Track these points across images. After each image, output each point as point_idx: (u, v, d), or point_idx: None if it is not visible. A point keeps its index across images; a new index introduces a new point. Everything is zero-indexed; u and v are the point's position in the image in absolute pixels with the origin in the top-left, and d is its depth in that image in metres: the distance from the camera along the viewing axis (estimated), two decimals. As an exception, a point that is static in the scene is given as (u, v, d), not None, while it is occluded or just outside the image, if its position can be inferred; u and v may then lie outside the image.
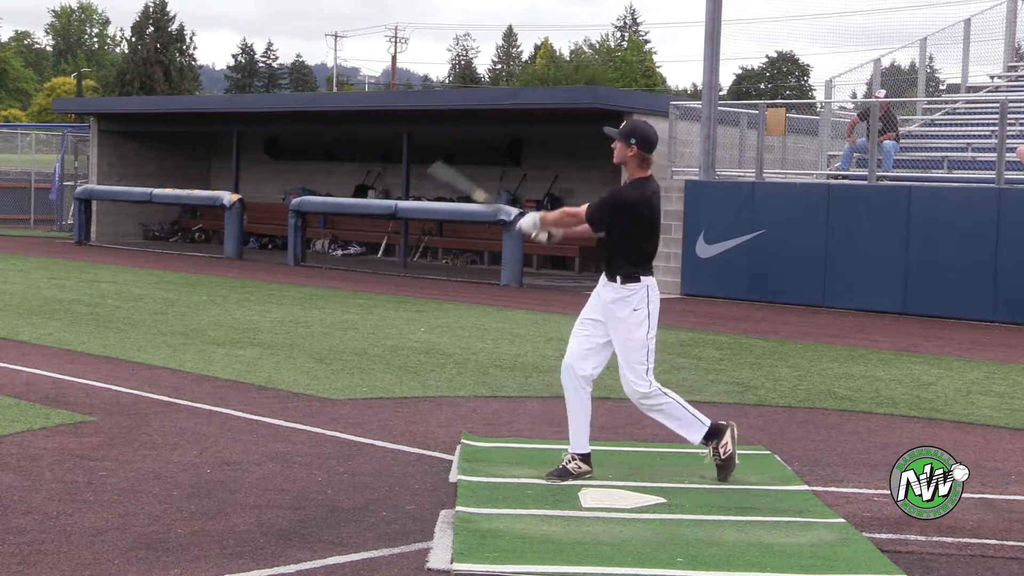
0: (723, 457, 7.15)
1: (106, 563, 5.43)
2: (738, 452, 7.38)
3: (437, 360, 11.86)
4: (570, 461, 7.14)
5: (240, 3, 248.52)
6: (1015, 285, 16.91)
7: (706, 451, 7.21)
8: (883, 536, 6.19)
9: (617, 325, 7.10)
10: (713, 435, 7.18)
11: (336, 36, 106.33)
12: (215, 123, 30.22)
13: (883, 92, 20.28)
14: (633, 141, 7.14)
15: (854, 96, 25.86)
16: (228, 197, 26.34)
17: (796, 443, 8.52)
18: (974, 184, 18.12)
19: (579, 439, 7.14)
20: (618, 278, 7.10)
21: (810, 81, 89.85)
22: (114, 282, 19.17)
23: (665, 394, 7.16)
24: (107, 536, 5.82)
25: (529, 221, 7.41)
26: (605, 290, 7.17)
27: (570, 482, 7.01)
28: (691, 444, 7.32)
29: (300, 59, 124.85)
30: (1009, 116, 18.17)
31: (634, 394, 7.15)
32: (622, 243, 7.11)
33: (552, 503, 6.57)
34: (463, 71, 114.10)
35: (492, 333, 14.20)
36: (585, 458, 7.13)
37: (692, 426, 7.19)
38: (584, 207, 7.25)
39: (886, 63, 23.27)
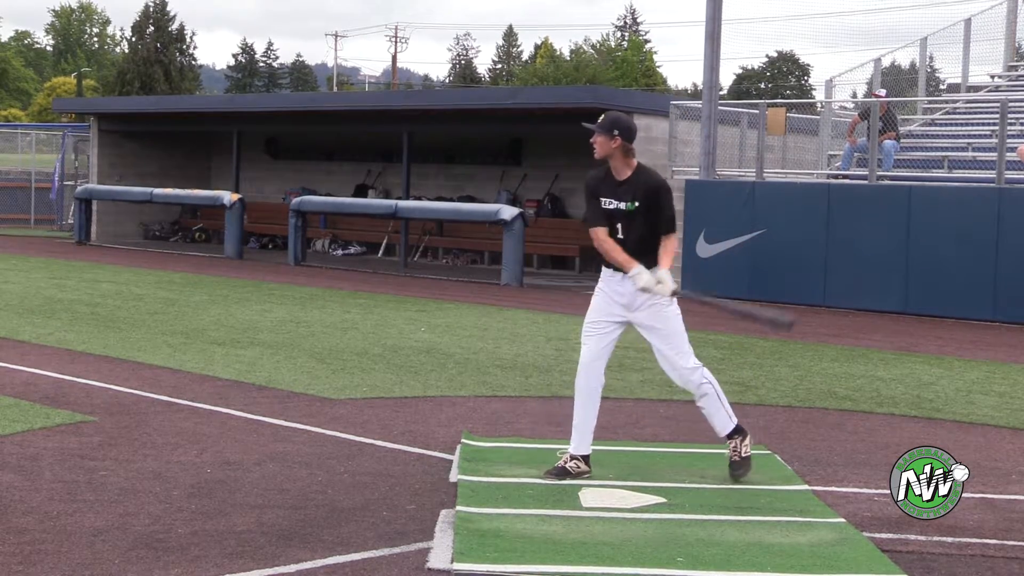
0: (742, 458, 7.19)
1: (106, 563, 5.43)
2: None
3: (437, 360, 11.86)
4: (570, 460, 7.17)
5: (240, 3, 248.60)
6: (1015, 285, 16.90)
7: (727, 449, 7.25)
8: (883, 536, 6.19)
9: (666, 313, 7.19)
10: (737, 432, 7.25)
11: (336, 36, 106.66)
12: (215, 123, 30.22)
13: (883, 92, 20.29)
14: (616, 133, 7.15)
15: (854, 96, 25.85)
16: (228, 197, 26.34)
17: (796, 443, 8.52)
18: (974, 184, 18.12)
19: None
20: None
21: (810, 81, 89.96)
22: (114, 282, 19.18)
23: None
24: (107, 536, 5.82)
25: (650, 279, 7.04)
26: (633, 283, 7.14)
27: (568, 481, 7.03)
28: (693, 444, 7.34)
29: (300, 59, 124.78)
30: (1009, 116, 18.16)
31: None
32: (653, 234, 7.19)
33: (552, 503, 6.57)
34: (463, 71, 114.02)
35: (492, 333, 14.20)
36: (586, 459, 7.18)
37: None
38: (672, 236, 7.16)
39: (886, 63, 23.26)
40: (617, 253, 7.09)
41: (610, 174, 7.27)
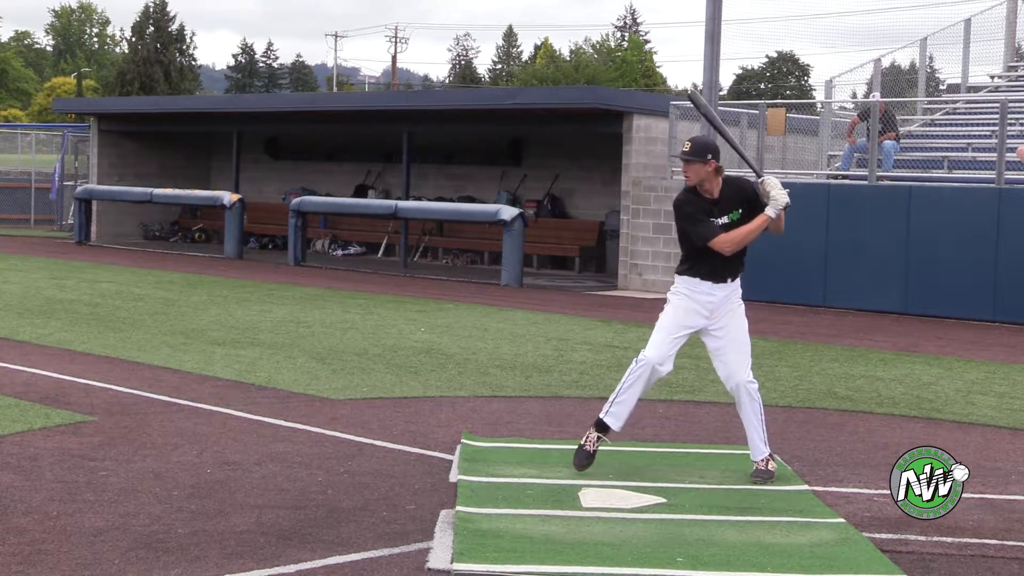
0: (768, 469, 7.28)
1: (106, 563, 5.43)
2: (737, 453, 7.46)
3: (437, 360, 11.86)
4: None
5: (240, 3, 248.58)
6: (1015, 285, 16.91)
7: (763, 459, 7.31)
8: (883, 536, 6.19)
9: (740, 321, 7.36)
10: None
11: (336, 36, 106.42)
12: (215, 123, 30.22)
13: (876, 95, 20.31)
14: (710, 157, 7.18)
15: (854, 96, 25.86)
16: (228, 197, 26.34)
17: (796, 443, 8.52)
18: (974, 184, 18.12)
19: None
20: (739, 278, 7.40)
21: (810, 81, 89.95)
22: (114, 282, 19.17)
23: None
24: (107, 536, 5.82)
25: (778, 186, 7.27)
26: (722, 290, 7.31)
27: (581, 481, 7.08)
28: (693, 444, 7.35)
29: (300, 59, 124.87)
30: (1009, 116, 18.15)
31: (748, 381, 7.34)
32: None
33: (552, 503, 6.57)
34: (463, 71, 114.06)
35: (492, 333, 14.20)
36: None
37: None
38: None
39: (886, 63, 23.28)
40: (746, 227, 7.20)
41: (699, 195, 7.28)
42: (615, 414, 7.29)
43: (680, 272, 7.40)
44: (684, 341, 7.40)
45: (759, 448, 7.28)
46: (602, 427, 7.29)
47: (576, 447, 7.34)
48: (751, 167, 7.54)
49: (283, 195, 29.63)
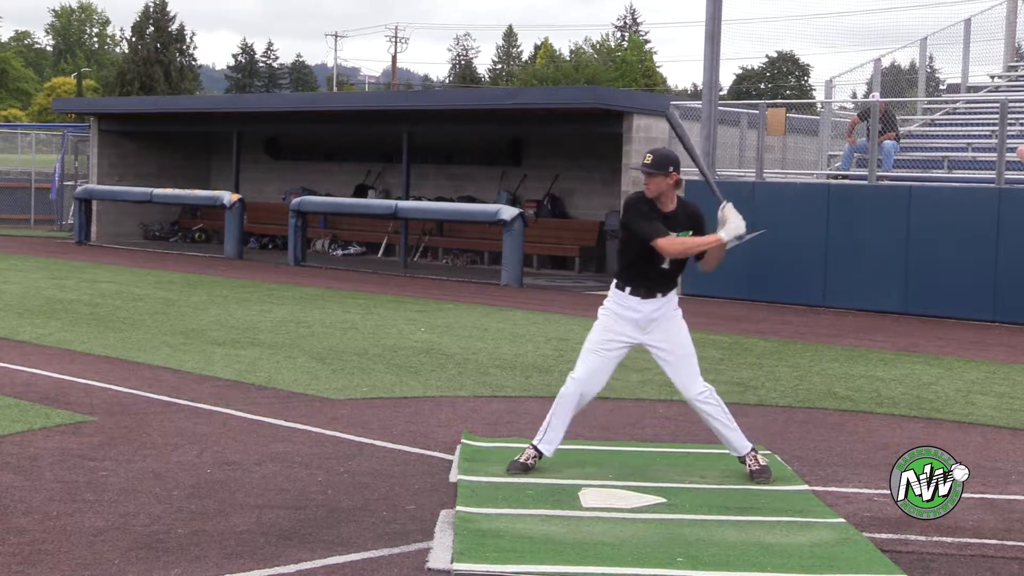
0: (762, 465, 7.28)
1: (106, 563, 5.43)
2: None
3: (437, 360, 11.86)
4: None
5: (240, 3, 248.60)
6: (1015, 285, 16.91)
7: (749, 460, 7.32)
8: (883, 536, 6.19)
9: (680, 333, 7.32)
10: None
11: (336, 36, 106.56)
12: (215, 123, 30.22)
13: (876, 95, 20.31)
14: (672, 169, 7.16)
15: (854, 96, 25.86)
16: (228, 197, 26.34)
17: (796, 443, 8.52)
18: (974, 184, 18.12)
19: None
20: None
21: (810, 81, 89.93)
22: (114, 282, 19.17)
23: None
24: (107, 536, 5.82)
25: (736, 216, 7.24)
26: (650, 305, 7.25)
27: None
28: (693, 444, 7.33)
29: (300, 59, 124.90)
30: (1009, 116, 18.14)
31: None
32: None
33: (552, 503, 6.58)
34: (463, 71, 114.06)
35: (492, 333, 14.20)
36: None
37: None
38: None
39: (886, 63, 23.26)
40: (694, 239, 7.22)
41: (652, 205, 7.24)
42: (549, 441, 7.30)
43: (615, 281, 7.36)
44: (617, 357, 7.32)
45: (741, 444, 7.27)
46: (538, 451, 7.30)
47: (512, 459, 7.33)
48: (714, 192, 7.43)
49: (283, 195, 29.63)
